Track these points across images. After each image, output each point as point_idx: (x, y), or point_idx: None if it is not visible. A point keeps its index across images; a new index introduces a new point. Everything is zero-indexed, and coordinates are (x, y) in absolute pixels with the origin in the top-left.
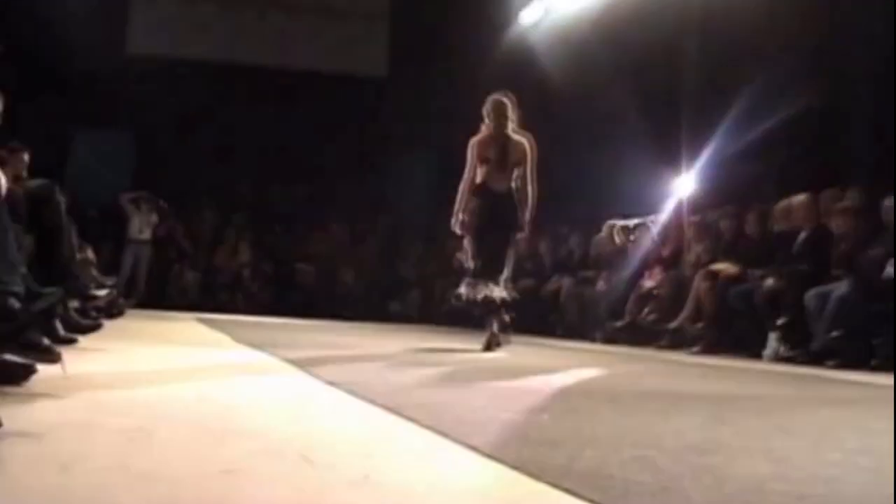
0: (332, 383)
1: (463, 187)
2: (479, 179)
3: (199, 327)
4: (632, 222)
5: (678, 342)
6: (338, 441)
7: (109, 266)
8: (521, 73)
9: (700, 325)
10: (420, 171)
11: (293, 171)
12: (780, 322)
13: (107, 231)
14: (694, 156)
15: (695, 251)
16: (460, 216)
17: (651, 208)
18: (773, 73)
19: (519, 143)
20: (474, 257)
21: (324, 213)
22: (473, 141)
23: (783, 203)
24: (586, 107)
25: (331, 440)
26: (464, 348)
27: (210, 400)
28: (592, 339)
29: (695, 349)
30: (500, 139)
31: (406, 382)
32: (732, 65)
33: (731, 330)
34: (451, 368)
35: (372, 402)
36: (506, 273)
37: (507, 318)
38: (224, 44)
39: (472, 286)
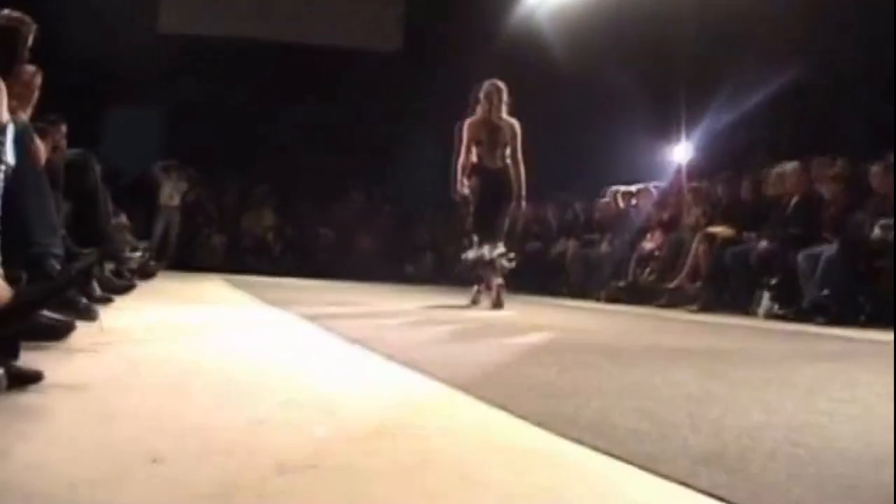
0: (352, 340)
1: (459, 163)
2: (474, 159)
3: (226, 288)
4: (633, 188)
5: (677, 301)
6: (359, 394)
7: (142, 230)
8: (529, 49)
9: (698, 284)
10: (433, 142)
11: (315, 142)
12: (772, 282)
13: (139, 198)
14: (692, 126)
15: (693, 215)
16: (458, 188)
17: (651, 175)
18: (768, 47)
19: (508, 126)
20: (476, 228)
21: (344, 181)
22: (467, 123)
23: (776, 170)
24: (590, 82)
25: (352, 393)
26: (474, 305)
27: (237, 356)
28: (596, 299)
29: (692, 307)
30: (491, 122)
31: (421, 339)
32: (728, 40)
33: (726, 289)
34: (462, 325)
35: (390, 357)
36: (501, 241)
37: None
38: (249, 21)
39: (476, 250)
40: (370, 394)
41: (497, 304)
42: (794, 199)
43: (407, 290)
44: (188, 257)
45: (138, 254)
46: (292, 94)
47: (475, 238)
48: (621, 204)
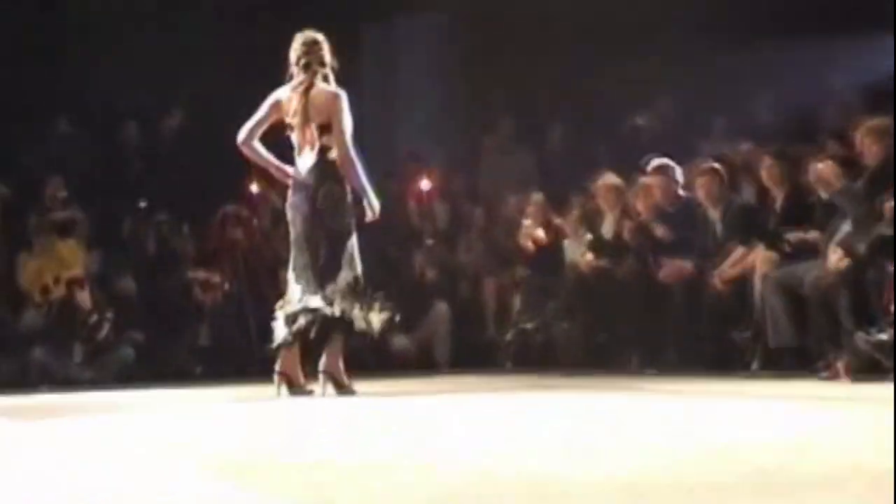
0: None
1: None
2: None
3: None
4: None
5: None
6: None
7: None
8: None
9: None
10: None
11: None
12: None
13: None
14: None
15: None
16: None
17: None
18: None
19: (327, 98)
20: (302, 273)
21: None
22: (272, 99)
23: None
24: None
25: None
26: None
27: None
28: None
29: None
30: (306, 95)
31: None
32: None
33: None
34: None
35: None
36: (351, 289)
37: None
38: None
39: (296, 304)
40: None
41: (343, 387)
42: None
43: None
44: None
45: None
46: None
47: (296, 288)
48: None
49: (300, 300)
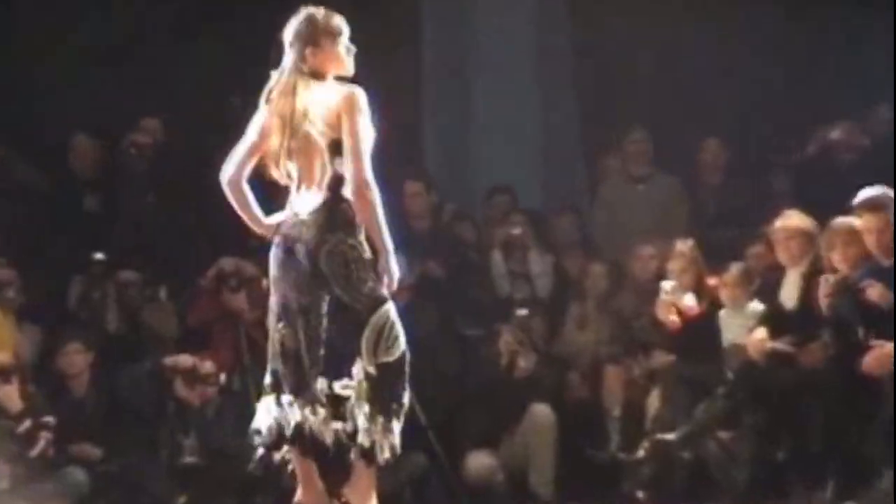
0: None
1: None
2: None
3: None
4: None
5: None
6: None
7: None
8: None
9: None
10: None
11: None
12: None
13: None
14: None
15: None
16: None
17: None
18: None
19: (343, 100)
20: (284, 360)
21: None
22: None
23: None
24: None
25: None
26: None
27: None
28: None
29: None
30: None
31: None
32: None
33: None
34: None
35: None
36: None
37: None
38: None
39: (283, 408)
40: None
41: None
42: None
43: None
44: None
45: None
46: None
47: (272, 380)
48: None
49: (278, 406)
